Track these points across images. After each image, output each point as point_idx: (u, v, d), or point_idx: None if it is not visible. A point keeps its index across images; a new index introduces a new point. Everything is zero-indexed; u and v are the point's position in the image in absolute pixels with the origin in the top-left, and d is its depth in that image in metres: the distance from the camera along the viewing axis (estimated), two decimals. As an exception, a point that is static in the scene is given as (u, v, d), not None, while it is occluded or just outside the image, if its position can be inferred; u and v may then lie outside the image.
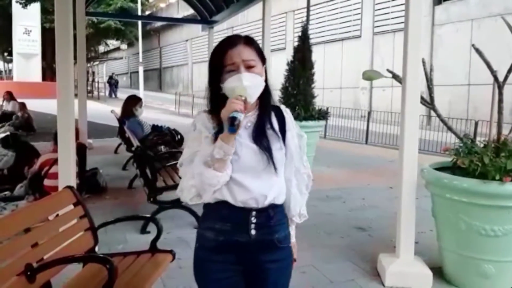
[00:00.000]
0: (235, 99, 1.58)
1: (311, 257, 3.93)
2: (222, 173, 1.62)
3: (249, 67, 1.67)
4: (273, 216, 1.75)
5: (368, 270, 3.84)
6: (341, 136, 13.08)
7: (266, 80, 1.75)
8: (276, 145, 1.72)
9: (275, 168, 1.70)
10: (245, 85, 1.62)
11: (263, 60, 1.74)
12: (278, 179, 1.75)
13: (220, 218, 1.72)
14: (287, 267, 1.84)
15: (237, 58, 1.66)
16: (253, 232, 1.71)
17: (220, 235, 1.72)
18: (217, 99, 1.70)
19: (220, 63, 1.68)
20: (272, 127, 1.75)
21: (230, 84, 1.64)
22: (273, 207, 1.74)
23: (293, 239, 1.91)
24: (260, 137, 1.70)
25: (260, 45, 1.85)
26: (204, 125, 1.71)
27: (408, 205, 3.64)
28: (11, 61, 33.42)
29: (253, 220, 1.71)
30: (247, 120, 1.71)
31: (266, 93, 1.75)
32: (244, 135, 1.70)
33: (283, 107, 1.86)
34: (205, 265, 1.77)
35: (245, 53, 1.68)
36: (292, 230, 1.92)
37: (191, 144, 1.72)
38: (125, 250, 3.61)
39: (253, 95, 1.67)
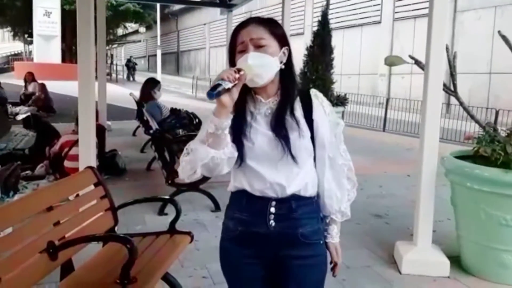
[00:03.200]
0: (230, 69, 1.50)
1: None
2: (217, 150, 1.52)
3: (258, 46, 1.58)
4: (297, 208, 1.63)
5: (384, 257, 3.83)
6: (359, 123, 12.98)
7: (288, 64, 1.65)
8: (295, 134, 1.60)
9: (293, 158, 1.59)
10: (249, 63, 1.53)
11: (281, 42, 1.63)
12: (303, 170, 1.63)
13: (239, 207, 1.67)
14: (317, 266, 1.70)
15: (246, 37, 1.58)
16: (272, 223, 1.62)
17: (239, 225, 1.67)
18: None
19: (233, 45, 1.63)
20: (292, 114, 1.63)
21: (239, 65, 1.55)
22: (297, 198, 1.63)
23: (333, 240, 1.76)
24: (277, 124, 1.60)
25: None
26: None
27: (427, 193, 3.61)
28: (31, 42, 33.68)
29: (272, 210, 1.62)
30: (266, 107, 1.64)
31: (286, 78, 1.65)
32: (262, 122, 1.62)
33: (313, 91, 1.73)
34: (228, 256, 1.74)
35: (254, 32, 1.59)
36: (333, 230, 1.76)
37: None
38: (143, 231, 3.65)
39: (262, 75, 1.57)
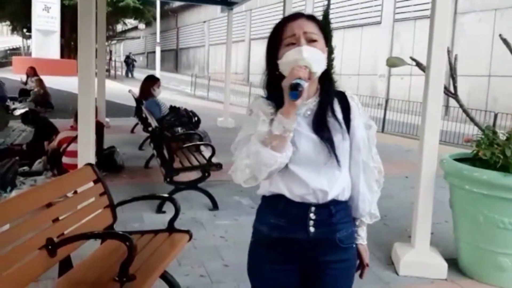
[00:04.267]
0: (299, 67, 1.44)
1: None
2: (280, 153, 1.46)
3: (311, 41, 1.52)
4: (335, 213, 1.59)
5: (382, 259, 3.83)
6: (357, 124, 12.97)
7: (327, 66, 1.60)
8: (338, 136, 1.56)
9: (337, 161, 1.54)
10: (305, 57, 1.46)
11: (326, 39, 1.60)
12: (342, 173, 1.59)
13: (275, 212, 1.60)
14: (349, 269, 1.70)
15: (298, 30, 1.52)
16: (311, 229, 1.57)
17: (274, 231, 1.60)
18: (274, 83, 1.57)
19: (278, 37, 1.56)
20: (334, 116, 1.58)
21: (288, 58, 1.49)
22: (336, 203, 1.59)
23: (363, 242, 1.75)
24: (320, 126, 1.55)
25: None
26: (262, 109, 1.55)
27: (426, 195, 3.61)
28: (29, 37, 33.59)
29: (312, 216, 1.57)
30: (306, 108, 1.57)
31: (325, 77, 1.60)
32: (303, 124, 1.55)
33: (349, 92, 1.69)
34: (258, 262, 1.68)
35: (308, 26, 1.54)
36: (363, 232, 1.75)
37: (246, 127, 1.57)
38: (141, 229, 3.65)
39: (316, 71, 1.51)
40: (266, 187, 1.62)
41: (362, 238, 1.75)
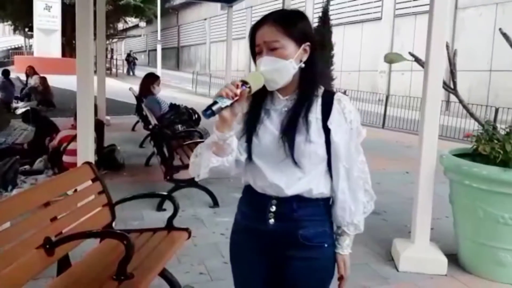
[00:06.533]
0: (231, 84, 1.44)
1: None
2: (221, 157, 1.52)
3: (272, 49, 1.52)
4: (298, 209, 1.58)
5: (382, 255, 3.84)
6: (358, 120, 12.95)
7: (310, 62, 1.57)
8: (301, 137, 1.53)
9: (294, 161, 1.53)
10: (262, 71, 1.50)
11: (300, 39, 1.55)
12: (307, 176, 1.56)
13: (245, 201, 1.71)
14: (317, 270, 1.64)
15: (260, 41, 1.54)
16: (271, 221, 1.60)
17: (244, 219, 1.70)
18: None
19: (252, 46, 1.59)
20: (305, 117, 1.55)
21: (254, 69, 1.53)
22: (300, 199, 1.58)
23: (342, 251, 1.66)
24: (287, 125, 1.54)
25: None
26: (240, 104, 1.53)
27: (426, 190, 3.61)
28: (31, 36, 33.60)
29: (272, 209, 1.60)
30: (283, 105, 1.59)
31: (306, 77, 1.57)
32: (275, 119, 1.58)
33: (338, 95, 1.62)
34: (233, 247, 1.75)
35: (268, 34, 1.52)
36: (344, 242, 1.66)
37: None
38: (141, 227, 3.65)
39: (276, 80, 1.52)
40: (243, 177, 1.67)
41: (342, 248, 1.66)
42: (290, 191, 1.57)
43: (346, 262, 1.67)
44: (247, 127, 1.59)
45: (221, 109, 1.41)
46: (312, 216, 1.61)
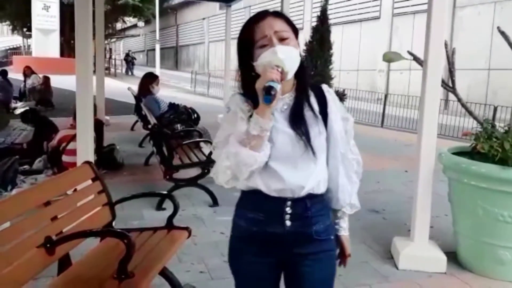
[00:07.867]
0: (271, 68, 1.44)
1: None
2: (259, 152, 1.49)
3: (282, 39, 1.52)
4: (311, 206, 1.61)
5: (381, 253, 3.84)
6: (357, 119, 12.95)
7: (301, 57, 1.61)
8: (315, 129, 1.57)
9: (313, 153, 1.55)
10: (281, 58, 1.47)
11: (296, 33, 1.59)
12: (318, 167, 1.60)
13: (253, 207, 1.62)
14: (327, 261, 1.68)
15: (269, 30, 1.52)
16: (288, 223, 1.59)
17: (253, 226, 1.62)
18: (249, 81, 1.55)
19: (249, 40, 1.55)
20: (311, 109, 1.60)
21: (264, 59, 1.49)
22: (311, 197, 1.60)
23: (345, 232, 1.78)
24: (297, 120, 1.56)
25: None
26: (239, 106, 1.56)
27: (425, 189, 3.62)
28: (30, 36, 33.58)
29: (288, 210, 1.59)
30: (283, 103, 1.58)
31: (302, 71, 1.60)
32: (280, 119, 1.56)
33: (325, 86, 1.69)
34: (238, 255, 1.70)
35: (277, 24, 1.53)
36: (344, 223, 1.77)
37: (225, 126, 1.59)
38: (141, 226, 3.66)
39: (291, 70, 1.52)
40: (244, 182, 1.60)
41: (344, 229, 1.78)
42: (307, 188, 1.58)
43: (348, 240, 1.80)
44: None
45: (276, 92, 1.42)
46: (321, 211, 1.65)
